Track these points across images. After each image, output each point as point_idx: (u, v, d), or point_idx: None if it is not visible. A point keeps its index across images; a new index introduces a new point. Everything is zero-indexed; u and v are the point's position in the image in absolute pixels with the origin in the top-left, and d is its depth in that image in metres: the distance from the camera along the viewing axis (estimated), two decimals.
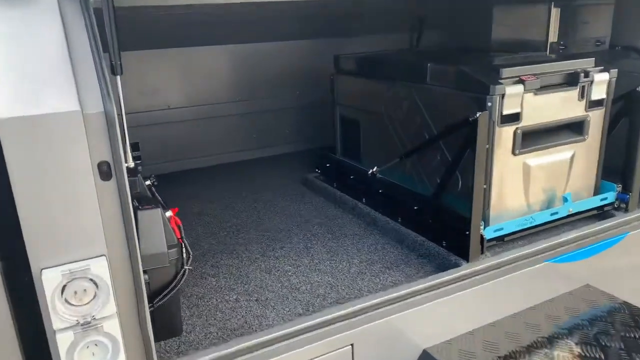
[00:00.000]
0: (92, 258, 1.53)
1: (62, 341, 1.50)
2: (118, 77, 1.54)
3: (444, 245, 2.53)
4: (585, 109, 2.61)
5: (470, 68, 2.44)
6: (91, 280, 1.51)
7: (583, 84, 2.55)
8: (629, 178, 2.80)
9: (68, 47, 1.48)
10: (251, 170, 4.08)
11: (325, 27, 4.36)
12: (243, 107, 4.30)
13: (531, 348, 2.30)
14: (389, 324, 2.15)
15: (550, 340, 2.34)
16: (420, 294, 2.21)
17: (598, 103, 2.65)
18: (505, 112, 2.35)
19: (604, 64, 2.66)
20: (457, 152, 2.42)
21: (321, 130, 4.58)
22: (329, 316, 2.03)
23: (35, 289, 1.48)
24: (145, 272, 1.87)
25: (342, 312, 2.05)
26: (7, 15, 1.47)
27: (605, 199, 2.80)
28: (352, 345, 2.09)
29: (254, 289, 2.40)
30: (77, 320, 1.51)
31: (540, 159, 2.56)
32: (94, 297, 1.53)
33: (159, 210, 1.91)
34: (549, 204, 2.68)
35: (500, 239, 2.53)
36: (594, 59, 2.63)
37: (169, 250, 1.95)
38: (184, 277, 1.99)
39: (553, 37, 3.27)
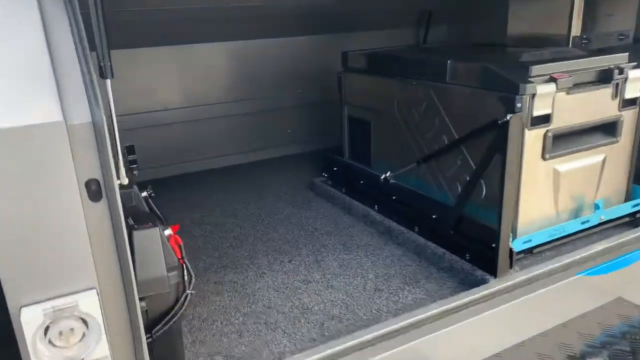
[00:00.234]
0: (80, 292, 1.32)
1: None
2: (108, 81, 1.32)
3: (468, 258, 2.33)
4: (618, 109, 2.41)
5: (495, 65, 2.23)
6: (80, 318, 1.30)
7: (617, 82, 2.34)
8: None
9: (48, 47, 1.26)
10: (253, 173, 3.87)
11: (327, 23, 4.15)
12: (243, 107, 4.09)
13: None
14: (412, 351, 1.95)
15: None
16: (447, 316, 2.01)
17: (631, 102, 2.44)
18: (535, 114, 2.14)
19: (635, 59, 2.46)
20: (483, 158, 2.21)
21: (325, 130, 4.38)
22: (347, 344, 1.83)
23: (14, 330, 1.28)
24: (142, 299, 1.67)
25: (362, 339, 1.85)
26: None
27: (638, 204, 2.60)
28: None
29: (262, 309, 2.19)
30: None
31: (570, 164, 2.36)
32: (83, 337, 1.32)
33: (157, 230, 1.70)
34: (577, 211, 2.48)
35: (528, 251, 2.33)
36: (627, 54, 2.43)
37: (169, 274, 1.73)
38: (186, 302, 1.78)
39: (576, 30, 3.06)
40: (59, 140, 1.23)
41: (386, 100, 2.86)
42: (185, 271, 1.82)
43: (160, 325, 1.74)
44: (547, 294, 2.26)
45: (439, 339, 2.00)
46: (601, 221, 2.49)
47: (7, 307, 1.26)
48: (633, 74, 2.37)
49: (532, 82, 2.11)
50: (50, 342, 1.28)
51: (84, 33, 1.31)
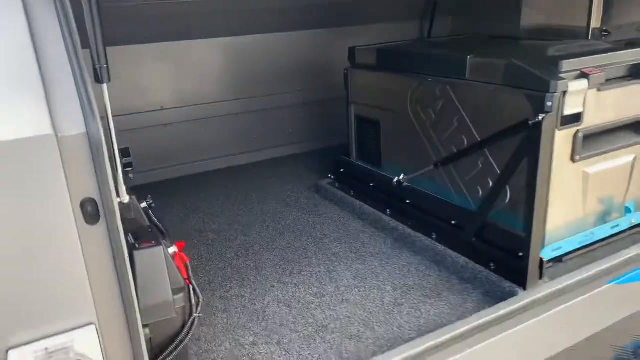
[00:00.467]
0: (76, 329, 1.15)
1: None
2: (104, 86, 1.15)
3: (492, 268, 2.18)
4: None
5: (522, 60, 2.07)
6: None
7: None
8: None
9: (34, 47, 1.08)
10: (254, 175, 3.69)
11: (326, 16, 3.99)
12: (242, 105, 3.91)
13: None
14: None
15: None
16: (476, 334, 1.85)
17: None
18: (566, 113, 1.98)
19: None
20: (510, 161, 2.05)
21: (327, 129, 4.22)
22: None
23: None
24: (146, 326, 1.51)
25: None
26: None
27: None
28: None
29: (274, 327, 2.02)
30: None
31: (599, 165, 2.21)
32: None
33: (160, 249, 1.53)
34: (605, 215, 2.33)
35: (557, 260, 2.18)
36: None
37: (175, 297, 1.57)
38: (193, 327, 1.62)
39: (596, 22, 2.90)
40: (48, 156, 1.06)
41: (398, 98, 2.69)
42: (192, 292, 1.65)
43: (165, 354, 1.57)
44: (576, 305, 2.11)
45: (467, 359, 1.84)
46: (632, 225, 2.34)
47: None
48: None
49: (563, 79, 1.95)
50: None
51: (75, 29, 1.13)
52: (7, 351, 1.08)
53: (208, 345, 1.95)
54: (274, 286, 2.30)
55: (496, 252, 2.17)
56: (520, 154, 1.99)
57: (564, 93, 1.95)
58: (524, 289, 2.02)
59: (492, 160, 2.23)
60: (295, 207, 3.12)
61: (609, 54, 2.14)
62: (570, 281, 2.08)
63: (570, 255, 2.23)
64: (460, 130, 2.37)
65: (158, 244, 1.54)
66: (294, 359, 1.85)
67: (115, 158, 1.20)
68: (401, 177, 2.66)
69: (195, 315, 1.63)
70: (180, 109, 3.71)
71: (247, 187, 3.48)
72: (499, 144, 2.13)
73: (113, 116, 1.26)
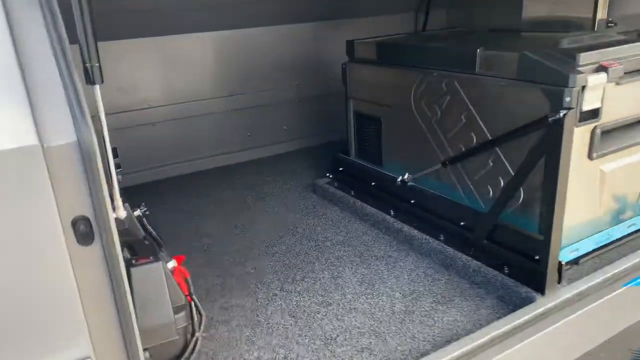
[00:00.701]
0: None
1: None
2: (97, 88, 1.01)
3: (506, 272, 2.08)
4: None
5: (536, 53, 1.96)
6: None
7: None
8: None
9: (14, 45, 0.94)
10: (248, 174, 3.55)
11: (318, 9, 3.86)
12: (234, 102, 3.76)
13: None
14: None
15: None
16: (495, 344, 1.75)
17: None
18: (585, 108, 1.88)
19: None
20: (527, 159, 1.94)
21: (323, 125, 4.10)
22: None
23: None
24: (146, 349, 1.37)
25: None
26: None
27: None
28: None
29: (279, 341, 1.90)
30: None
31: (615, 163, 2.12)
32: None
33: (160, 265, 1.40)
34: (619, 213, 2.24)
35: (573, 262, 2.08)
36: None
37: (177, 316, 1.44)
38: (197, 348, 1.49)
39: (602, 12, 2.80)
40: (33, 170, 0.92)
41: (400, 94, 2.57)
42: (194, 310, 1.52)
43: None
44: (595, 309, 2.02)
45: None
46: None
47: None
48: None
49: (582, 73, 1.85)
50: None
51: (61, 23, 0.99)
52: None
53: None
54: (276, 295, 2.18)
55: (510, 255, 2.07)
56: (538, 152, 1.88)
57: (583, 88, 1.85)
58: (542, 294, 1.93)
59: (503, 159, 2.13)
60: (293, 207, 2.99)
61: (626, 45, 2.04)
62: (588, 285, 1.99)
63: (585, 257, 2.14)
64: (469, 127, 2.26)
65: (157, 259, 1.41)
66: None
67: (110, 169, 1.07)
68: (406, 176, 2.54)
69: (198, 334, 1.50)
70: (169, 106, 3.55)
71: (241, 187, 3.34)
72: (513, 141, 2.02)
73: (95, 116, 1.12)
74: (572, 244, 2.07)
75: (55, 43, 0.98)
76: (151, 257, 1.41)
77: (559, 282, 1.96)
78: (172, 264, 1.50)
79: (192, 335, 1.50)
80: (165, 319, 1.39)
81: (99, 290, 1.05)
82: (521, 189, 2.06)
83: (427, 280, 2.22)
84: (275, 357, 1.82)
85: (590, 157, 2.00)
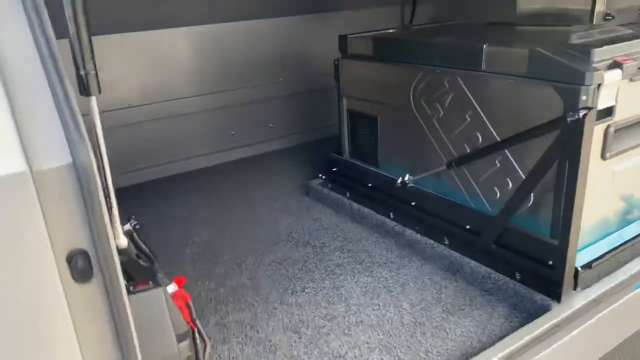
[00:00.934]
0: None
1: None
2: (93, 99, 0.86)
3: (518, 278, 1.99)
4: None
5: (548, 49, 1.86)
6: None
7: None
8: None
9: None
10: (234, 176, 3.40)
11: (302, 2, 3.71)
12: (217, 100, 3.60)
13: None
14: None
15: None
16: (516, 357, 1.66)
17: None
18: (600, 107, 1.80)
19: None
20: (542, 161, 1.85)
21: (310, 122, 3.97)
22: None
23: None
24: None
25: None
26: None
27: None
28: None
29: None
30: None
31: (625, 162, 2.05)
32: None
33: (161, 292, 1.25)
34: (627, 213, 2.18)
35: (587, 266, 2.01)
36: None
37: (179, 345, 1.30)
38: None
39: (601, 5, 2.73)
40: (20, 199, 0.77)
41: (399, 92, 2.46)
42: (197, 337, 1.38)
43: None
44: (610, 314, 1.96)
45: None
46: None
47: None
48: None
49: (598, 70, 1.76)
50: None
51: (47, 21, 0.84)
52: None
53: None
54: (276, 308, 2.05)
55: (521, 260, 1.99)
56: (555, 153, 1.79)
57: (599, 85, 1.76)
58: (558, 301, 1.85)
59: (512, 159, 2.04)
60: (286, 211, 2.86)
61: (638, 40, 1.96)
62: (603, 290, 1.92)
63: (598, 260, 2.06)
64: (474, 127, 2.16)
65: (156, 284, 1.26)
66: None
67: (109, 192, 0.92)
68: (406, 177, 2.43)
69: None
70: (149, 106, 3.37)
71: (228, 190, 3.19)
72: (525, 142, 1.93)
73: None
74: (585, 247, 1.99)
75: (43, 47, 0.83)
76: (150, 282, 1.27)
77: (575, 288, 1.88)
78: (172, 287, 1.36)
79: None
80: (168, 350, 1.24)
81: (98, 331, 0.90)
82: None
83: (434, 287, 2.12)
84: None
85: (603, 157, 1.92)
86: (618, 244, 2.08)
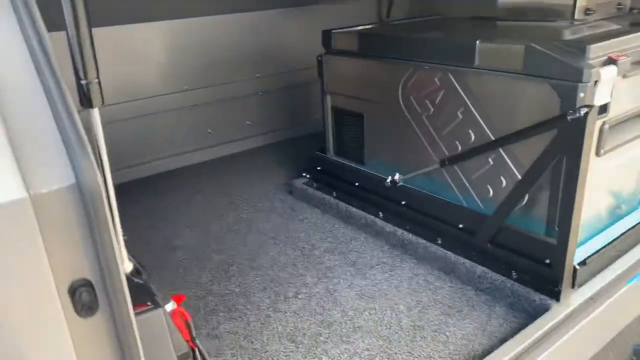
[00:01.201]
0: None
1: None
2: (96, 111, 0.77)
3: (514, 277, 1.97)
4: None
5: (544, 45, 1.84)
6: None
7: None
8: None
9: None
10: (214, 176, 3.29)
11: None
12: (192, 97, 3.47)
13: None
14: None
15: None
16: (524, 358, 1.64)
17: None
18: (597, 103, 1.78)
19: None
20: (540, 159, 1.83)
21: (290, 119, 3.89)
22: None
23: None
24: None
25: None
26: None
27: None
28: None
29: None
30: None
31: (616, 158, 2.04)
32: None
33: (161, 312, 1.16)
34: (618, 208, 2.19)
35: (582, 263, 2.00)
36: None
37: None
38: None
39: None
40: (18, 229, 0.67)
41: (386, 89, 2.40)
42: (197, 357, 1.30)
43: None
44: (604, 310, 1.95)
45: None
46: None
47: None
48: None
49: (594, 66, 1.74)
50: None
51: (43, 29, 0.74)
52: None
53: None
54: (269, 316, 1.97)
55: (517, 259, 1.97)
56: (554, 151, 1.77)
57: (595, 82, 1.75)
58: (557, 300, 1.83)
59: (506, 157, 2.01)
60: (270, 212, 2.77)
61: (629, 36, 1.96)
62: (599, 286, 1.92)
63: (591, 257, 2.06)
64: (466, 124, 2.12)
65: (156, 304, 1.17)
66: None
67: (113, 214, 0.83)
68: (396, 176, 2.38)
69: None
70: (121, 105, 3.21)
71: (208, 190, 3.08)
72: (522, 139, 1.90)
73: None
74: (579, 244, 1.99)
75: (35, 48, 0.72)
76: (149, 303, 1.17)
77: (573, 286, 1.87)
78: (170, 306, 1.27)
79: None
80: None
81: None
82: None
83: (430, 288, 2.08)
84: None
85: (598, 153, 1.92)
86: (610, 240, 2.08)
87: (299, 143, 3.70)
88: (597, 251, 2.03)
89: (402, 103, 2.36)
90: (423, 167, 2.30)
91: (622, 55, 1.83)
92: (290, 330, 1.89)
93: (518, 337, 1.70)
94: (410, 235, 2.32)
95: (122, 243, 0.88)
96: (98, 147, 0.81)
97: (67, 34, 0.72)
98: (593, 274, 1.99)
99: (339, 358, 1.74)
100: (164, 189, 3.11)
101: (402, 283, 2.12)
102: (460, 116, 2.13)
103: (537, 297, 1.87)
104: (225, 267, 2.30)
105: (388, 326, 1.88)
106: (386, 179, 2.42)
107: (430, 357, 1.73)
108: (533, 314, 1.86)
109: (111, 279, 0.76)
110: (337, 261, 2.29)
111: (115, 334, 0.81)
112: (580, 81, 1.72)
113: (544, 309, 1.83)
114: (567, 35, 2.04)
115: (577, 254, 1.98)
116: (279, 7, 3.72)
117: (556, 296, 1.84)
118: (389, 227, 2.40)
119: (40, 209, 0.69)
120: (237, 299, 2.09)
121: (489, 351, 1.69)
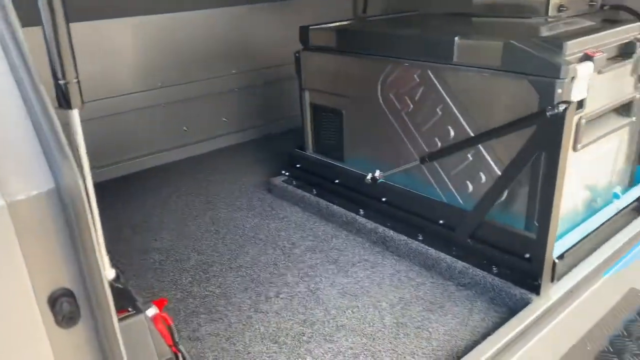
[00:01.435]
0: None
1: None
2: (75, 112, 0.73)
3: (495, 272, 1.99)
4: (635, 86, 2.16)
5: (522, 42, 1.85)
6: None
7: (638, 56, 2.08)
8: None
9: None
10: (189, 175, 3.24)
11: None
12: (166, 94, 3.41)
13: None
14: None
15: None
16: (501, 354, 1.65)
17: None
18: (574, 99, 1.81)
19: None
20: (520, 155, 1.85)
21: (266, 116, 3.85)
22: None
23: None
24: None
25: None
26: None
27: None
28: None
29: None
30: None
31: (591, 153, 2.08)
32: None
33: (142, 318, 1.13)
34: (592, 202, 2.23)
35: (560, 257, 2.03)
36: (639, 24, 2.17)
37: None
38: None
39: None
40: None
41: (365, 85, 2.40)
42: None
43: None
44: (583, 302, 1.99)
45: None
46: (619, 210, 2.27)
47: None
48: None
49: (571, 62, 1.77)
50: None
51: (18, 26, 0.70)
52: None
53: None
54: (251, 317, 1.95)
55: (497, 254, 1.99)
56: (533, 147, 1.79)
57: (572, 78, 1.77)
58: (537, 294, 1.86)
59: (485, 153, 2.03)
60: (249, 211, 2.74)
61: (604, 32, 1.99)
62: (577, 279, 1.96)
63: (569, 251, 2.10)
64: (445, 120, 2.13)
65: (137, 309, 1.14)
66: None
67: (94, 220, 0.79)
68: (377, 173, 2.38)
69: None
70: (92, 103, 3.12)
71: (185, 189, 3.03)
72: (498, 135, 1.92)
73: None
74: (558, 238, 2.01)
75: (8, 44, 0.68)
76: (130, 309, 1.14)
77: (552, 280, 1.90)
78: (152, 311, 1.23)
79: None
80: None
81: None
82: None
83: (412, 285, 2.08)
84: None
85: (575, 148, 1.94)
86: (586, 233, 2.12)
87: (277, 140, 3.67)
88: (575, 245, 2.07)
89: (381, 100, 2.36)
90: (403, 163, 2.31)
91: (597, 52, 1.86)
92: (273, 330, 1.87)
93: (500, 331, 1.71)
94: (391, 232, 2.32)
95: (103, 250, 0.84)
96: (78, 150, 0.77)
97: (43, 29, 0.68)
98: (571, 268, 2.02)
99: (322, 357, 1.73)
100: (138, 189, 3.05)
101: (384, 280, 2.12)
102: (440, 113, 2.14)
103: (518, 291, 1.89)
104: (204, 268, 2.26)
105: (371, 324, 1.88)
106: (366, 176, 2.41)
107: (414, 353, 1.73)
108: (514, 308, 1.88)
109: (94, 287, 0.72)
110: (319, 259, 2.28)
111: (97, 344, 0.77)
112: (558, 77, 1.74)
113: (524, 303, 1.85)
114: (544, 32, 2.07)
115: (556, 248, 2.01)
116: (254, 3, 3.67)
117: (536, 290, 1.86)
118: (370, 224, 2.39)
119: (17, 216, 0.65)
120: (218, 300, 2.05)
121: (471, 346, 1.71)
